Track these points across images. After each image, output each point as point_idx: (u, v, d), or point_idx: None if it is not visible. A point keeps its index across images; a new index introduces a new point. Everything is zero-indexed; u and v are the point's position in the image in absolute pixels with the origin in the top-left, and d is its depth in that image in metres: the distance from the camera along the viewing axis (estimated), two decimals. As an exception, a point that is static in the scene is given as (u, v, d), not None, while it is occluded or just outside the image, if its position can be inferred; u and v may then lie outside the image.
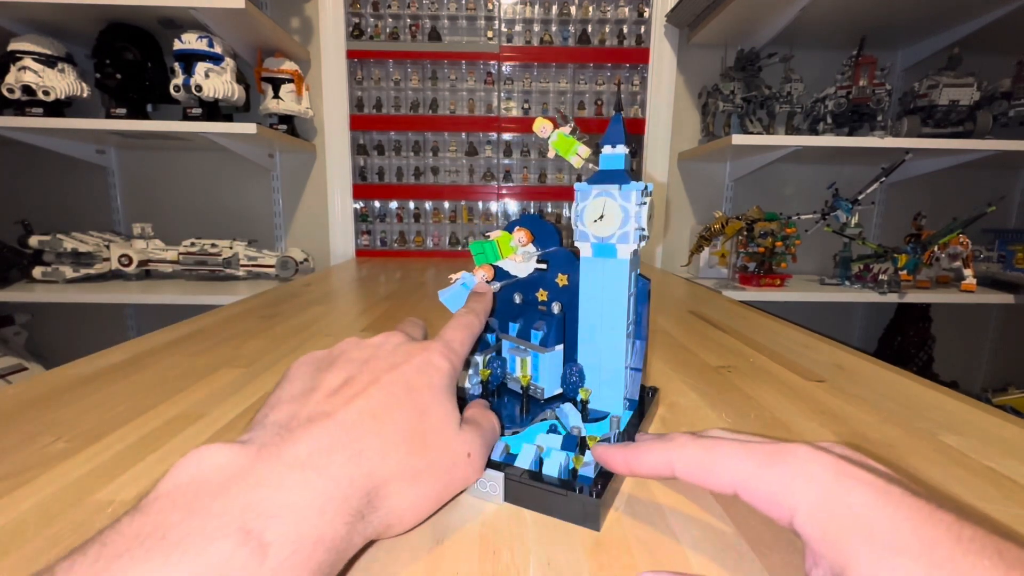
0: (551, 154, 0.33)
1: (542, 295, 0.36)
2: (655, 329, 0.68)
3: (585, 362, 0.34)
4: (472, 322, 0.30)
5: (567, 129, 0.33)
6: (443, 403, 0.24)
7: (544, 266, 0.35)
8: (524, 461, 0.27)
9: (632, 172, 0.32)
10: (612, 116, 0.33)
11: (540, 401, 0.35)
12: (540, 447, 0.28)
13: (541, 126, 0.33)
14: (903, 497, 0.18)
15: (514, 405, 0.35)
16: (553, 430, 0.31)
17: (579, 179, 1.51)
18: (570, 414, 0.32)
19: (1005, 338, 1.75)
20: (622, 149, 0.32)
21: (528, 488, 0.26)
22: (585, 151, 0.32)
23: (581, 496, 0.25)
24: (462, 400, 0.30)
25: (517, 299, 0.37)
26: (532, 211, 1.61)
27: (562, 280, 0.35)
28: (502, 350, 0.37)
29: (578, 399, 0.33)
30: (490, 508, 0.26)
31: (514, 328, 0.36)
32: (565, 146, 0.33)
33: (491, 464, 0.27)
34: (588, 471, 0.26)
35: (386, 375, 0.23)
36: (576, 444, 0.29)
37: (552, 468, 0.26)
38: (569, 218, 0.36)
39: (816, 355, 0.56)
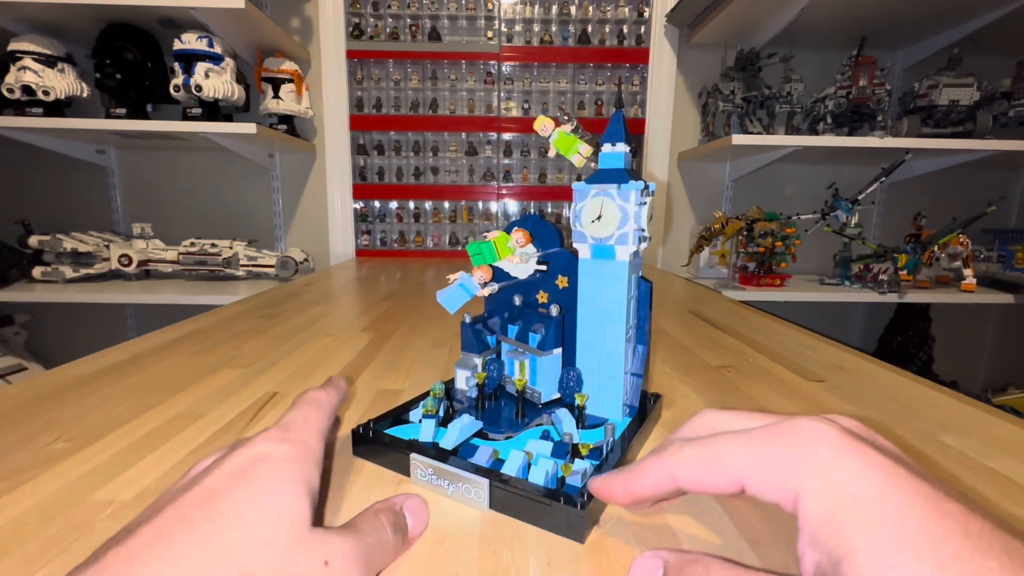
0: (552, 153, 0.32)
1: (542, 297, 0.35)
2: (655, 329, 0.67)
3: (584, 367, 0.33)
4: (320, 399, 0.26)
5: (568, 127, 0.32)
6: (270, 503, 0.19)
7: (544, 268, 0.34)
8: (512, 467, 0.26)
9: (632, 172, 0.31)
10: (613, 113, 0.32)
11: (537, 406, 0.34)
12: (529, 453, 0.27)
13: (542, 124, 0.32)
14: (910, 481, 0.17)
15: (511, 409, 0.34)
16: (546, 436, 0.30)
17: (579, 178, 1.51)
18: (565, 420, 0.31)
19: (1005, 338, 1.74)
20: (622, 147, 0.31)
21: (513, 496, 0.25)
22: (587, 150, 0.32)
23: (566, 507, 0.23)
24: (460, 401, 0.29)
25: (517, 301, 0.36)
26: (532, 211, 1.61)
27: (562, 282, 0.34)
28: (501, 353, 0.37)
29: (575, 404, 0.32)
30: (489, 509, 0.26)
31: (513, 330, 0.35)
32: (566, 144, 0.32)
33: (477, 470, 0.26)
34: (576, 480, 0.25)
35: (178, 501, 0.18)
36: (567, 451, 0.28)
37: (539, 476, 0.25)
38: (569, 219, 0.35)
39: (816, 355, 0.56)
